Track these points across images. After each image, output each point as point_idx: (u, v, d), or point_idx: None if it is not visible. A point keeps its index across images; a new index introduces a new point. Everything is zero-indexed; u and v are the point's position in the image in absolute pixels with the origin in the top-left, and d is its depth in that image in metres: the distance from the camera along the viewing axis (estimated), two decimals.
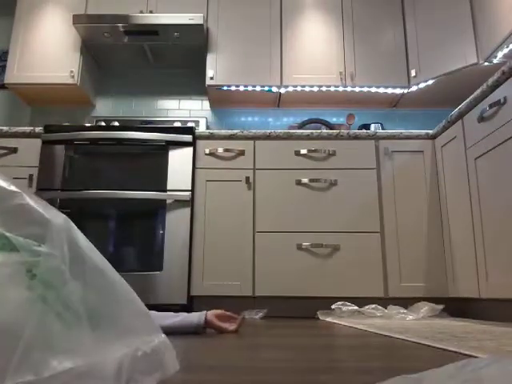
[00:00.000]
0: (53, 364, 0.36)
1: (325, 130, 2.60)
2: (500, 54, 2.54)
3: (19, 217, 0.43)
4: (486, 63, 2.64)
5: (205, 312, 1.35)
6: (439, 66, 2.88)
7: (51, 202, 2.27)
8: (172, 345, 0.52)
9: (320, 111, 3.30)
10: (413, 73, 3.00)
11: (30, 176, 2.41)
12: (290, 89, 3.07)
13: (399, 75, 3.05)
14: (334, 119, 3.29)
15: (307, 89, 3.06)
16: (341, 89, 3.05)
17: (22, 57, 3.05)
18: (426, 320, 1.93)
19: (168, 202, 2.38)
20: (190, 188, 2.40)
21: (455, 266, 2.18)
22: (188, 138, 2.47)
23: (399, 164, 2.45)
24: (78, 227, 0.48)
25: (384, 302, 2.19)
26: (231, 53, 3.08)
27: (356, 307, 2.09)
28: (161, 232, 2.35)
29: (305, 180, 2.44)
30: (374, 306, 2.10)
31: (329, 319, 2.02)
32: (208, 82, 3.04)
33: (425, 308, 2.08)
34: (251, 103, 3.29)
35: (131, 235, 2.40)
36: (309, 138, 2.50)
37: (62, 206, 2.33)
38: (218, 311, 1.40)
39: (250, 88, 3.07)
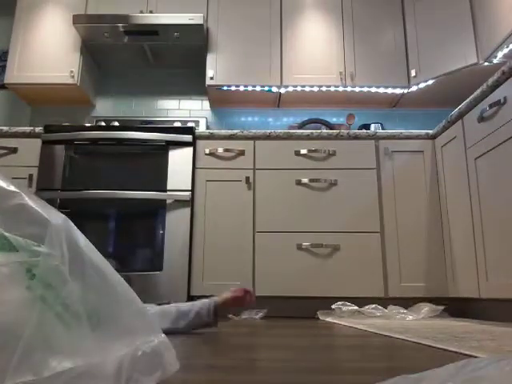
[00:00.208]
0: (52, 364, 0.36)
1: (325, 130, 2.60)
2: (500, 54, 2.53)
3: (18, 217, 0.43)
4: (486, 63, 2.64)
5: (213, 300, 1.38)
6: (439, 66, 2.87)
7: (51, 202, 2.27)
8: (172, 345, 0.52)
9: (320, 111, 3.30)
10: (413, 73, 3.00)
11: (30, 176, 2.41)
12: (290, 89, 3.07)
13: (399, 75, 3.05)
14: (334, 119, 3.29)
15: (307, 89, 3.06)
16: (341, 89, 3.05)
17: (21, 57, 3.05)
18: (426, 320, 1.93)
19: (168, 201, 2.38)
20: (190, 188, 2.40)
21: (455, 266, 2.17)
22: (188, 138, 2.47)
23: (399, 164, 2.45)
24: (78, 227, 0.48)
25: (384, 302, 2.19)
26: (231, 53, 3.08)
27: (356, 307, 2.09)
28: (161, 232, 2.35)
29: (305, 180, 2.44)
30: (374, 306, 2.10)
31: (329, 319, 2.02)
32: (208, 82, 3.04)
33: (425, 309, 2.08)
34: (251, 103, 3.29)
35: (131, 235, 2.40)
36: (309, 138, 2.50)
37: (62, 206, 2.33)
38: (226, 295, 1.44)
39: (249, 88, 3.07)
